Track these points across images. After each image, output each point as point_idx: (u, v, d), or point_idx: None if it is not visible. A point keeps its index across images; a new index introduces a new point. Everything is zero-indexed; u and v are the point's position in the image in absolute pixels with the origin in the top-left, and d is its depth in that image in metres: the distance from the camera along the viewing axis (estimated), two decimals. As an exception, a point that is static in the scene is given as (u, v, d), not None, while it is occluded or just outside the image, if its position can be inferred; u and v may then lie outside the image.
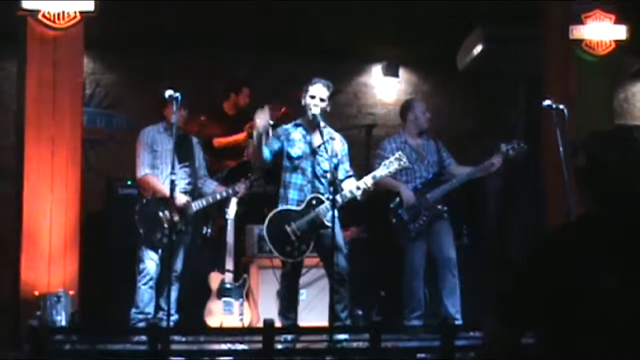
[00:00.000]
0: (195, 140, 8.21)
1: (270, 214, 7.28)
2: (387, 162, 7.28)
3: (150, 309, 7.71)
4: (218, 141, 9.10)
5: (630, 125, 11.70)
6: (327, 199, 7.11)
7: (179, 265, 7.81)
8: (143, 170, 7.85)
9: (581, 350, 2.87)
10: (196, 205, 7.83)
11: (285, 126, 7.48)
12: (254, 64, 10.90)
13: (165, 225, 7.58)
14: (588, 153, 3.05)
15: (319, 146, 7.28)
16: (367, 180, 7.18)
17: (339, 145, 7.42)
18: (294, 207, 7.25)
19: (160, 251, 7.68)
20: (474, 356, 5.89)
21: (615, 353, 2.84)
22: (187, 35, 10.04)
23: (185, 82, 8.79)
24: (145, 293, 7.68)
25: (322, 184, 7.30)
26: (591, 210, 3.06)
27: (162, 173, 7.81)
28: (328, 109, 7.34)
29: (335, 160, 7.23)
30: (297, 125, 7.42)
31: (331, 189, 6.99)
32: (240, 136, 8.96)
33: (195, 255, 8.28)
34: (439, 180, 8.08)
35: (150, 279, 7.69)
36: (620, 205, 2.99)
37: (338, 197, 7.05)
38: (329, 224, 7.05)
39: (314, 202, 7.23)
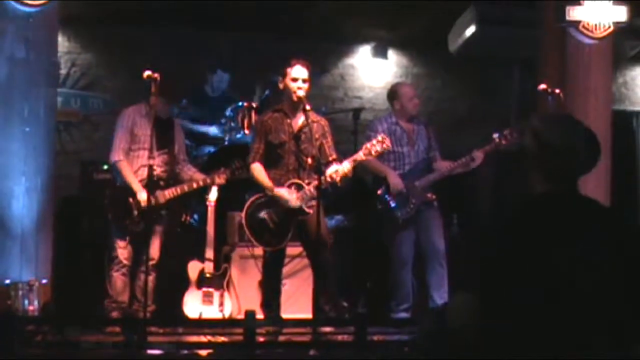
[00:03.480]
0: (178, 123, 7.92)
1: (249, 201, 7.15)
2: (369, 144, 7.03)
3: (124, 297, 7.55)
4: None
5: (629, 111, 11.59)
6: (308, 184, 6.95)
7: (155, 253, 7.59)
8: (117, 156, 7.56)
9: (539, 328, 2.97)
10: (169, 194, 7.55)
11: (263, 115, 7.34)
12: (236, 44, 10.65)
13: (135, 213, 7.41)
14: (535, 134, 3.17)
15: (301, 130, 7.11)
16: (347, 164, 6.97)
17: (321, 128, 7.23)
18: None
19: (128, 238, 7.50)
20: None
21: (569, 328, 2.96)
22: (168, 14, 9.85)
23: (165, 63, 8.54)
24: (117, 281, 7.51)
25: (304, 169, 7.10)
26: (539, 191, 3.17)
27: (138, 158, 7.56)
28: (308, 87, 7.15)
29: (318, 144, 7.02)
30: (276, 111, 7.21)
31: (315, 175, 6.81)
32: None
33: (174, 243, 8.09)
34: (428, 168, 7.88)
35: (123, 267, 7.51)
36: (565, 187, 3.12)
37: (312, 187, 6.89)
38: (308, 211, 6.92)
39: (293, 187, 7.05)
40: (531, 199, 3.20)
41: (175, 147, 7.76)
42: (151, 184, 7.16)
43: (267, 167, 7.13)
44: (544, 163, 3.14)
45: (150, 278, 7.40)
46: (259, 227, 7.05)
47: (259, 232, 7.06)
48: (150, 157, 7.09)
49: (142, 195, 7.32)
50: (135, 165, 7.54)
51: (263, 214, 7.02)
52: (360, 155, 7.00)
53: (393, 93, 8.24)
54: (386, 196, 7.75)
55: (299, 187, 7.00)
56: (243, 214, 7.12)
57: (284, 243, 7.10)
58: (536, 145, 3.15)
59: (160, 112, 7.52)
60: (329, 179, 6.90)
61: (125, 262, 7.49)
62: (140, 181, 7.42)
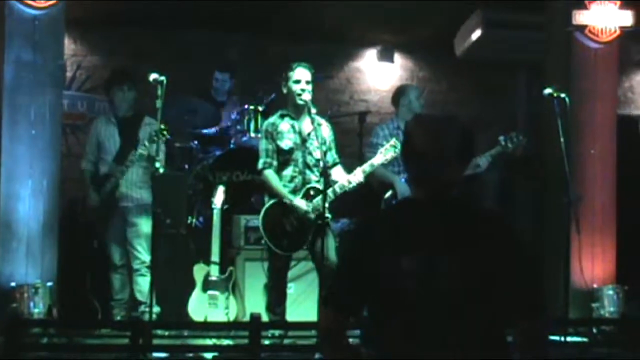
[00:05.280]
0: (147, 121, 7.89)
1: (266, 207, 7.10)
2: (382, 150, 7.07)
3: (122, 295, 7.83)
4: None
5: (635, 115, 11.56)
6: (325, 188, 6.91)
7: (141, 255, 7.71)
8: (82, 164, 7.95)
9: (393, 331, 2.98)
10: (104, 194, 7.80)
11: (270, 120, 7.25)
12: (243, 47, 10.66)
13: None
14: (405, 134, 3.09)
15: (309, 134, 7.09)
16: (365, 168, 6.99)
17: (326, 130, 7.23)
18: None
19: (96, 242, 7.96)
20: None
21: (421, 333, 2.96)
22: (174, 16, 9.85)
23: (171, 65, 8.57)
24: (113, 280, 7.85)
25: (313, 173, 7.10)
26: (412, 194, 3.15)
27: (105, 164, 7.85)
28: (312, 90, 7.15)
29: (324, 147, 7.01)
30: (282, 116, 7.19)
31: (322, 178, 6.83)
32: None
33: (180, 246, 8.19)
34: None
35: (114, 267, 7.81)
36: (437, 192, 3.02)
37: (330, 192, 6.86)
38: (328, 215, 6.88)
39: (311, 192, 7.04)
40: (398, 202, 3.17)
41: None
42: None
43: (277, 169, 7.11)
44: (410, 163, 3.05)
45: (145, 280, 7.58)
46: (278, 233, 7.01)
47: (278, 238, 7.01)
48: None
49: (91, 200, 7.79)
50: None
51: (284, 220, 6.98)
52: (376, 159, 7.02)
53: (400, 91, 8.27)
54: (393, 202, 7.74)
55: (318, 192, 6.98)
56: (260, 220, 7.07)
57: (304, 247, 7.08)
58: (404, 145, 3.07)
59: (124, 109, 7.86)
60: (346, 184, 6.91)
61: (116, 262, 7.83)
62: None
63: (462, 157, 3.02)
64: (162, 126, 7.08)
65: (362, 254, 3.05)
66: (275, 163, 7.05)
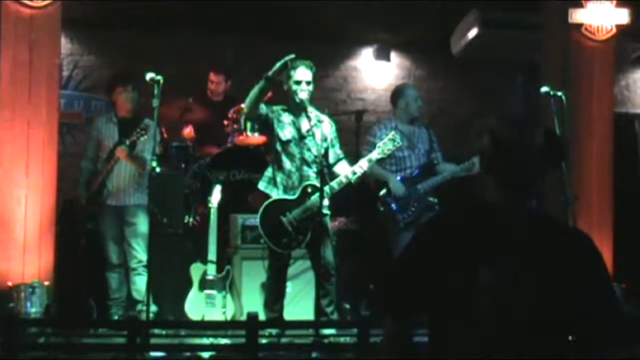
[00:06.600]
0: (147, 123, 7.80)
1: (264, 205, 7.08)
2: (381, 143, 7.09)
3: (119, 294, 7.84)
4: (240, 140, 8.78)
5: (631, 113, 11.57)
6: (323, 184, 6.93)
7: (141, 255, 7.71)
8: (82, 162, 7.98)
9: (461, 343, 2.89)
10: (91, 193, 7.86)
11: (275, 107, 7.20)
12: (238, 47, 10.65)
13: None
14: (491, 133, 2.96)
15: (307, 131, 7.08)
16: (363, 164, 7.00)
17: (327, 127, 7.22)
18: (288, 197, 7.05)
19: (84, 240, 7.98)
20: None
21: (495, 347, 2.84)
22: (170, 16, 9.83)
23: (167, 65, 8.55)
24: (110, 280, 7.85)
25: (311, 169, 7.09)
26: (491, 199, 2.98)
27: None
28: (312, 89, 7.14)
29: (325, 145, 7.04)
30: (284, 110, 7.19)
31: (320, 176, 6.87)
32: (260, 139, 8.57)
33: (177, 245, 8.18)
34: (430, 171, 7.85)
35: (112, 266, 7.82)
36: (523, 198, 2.94)
37: (334, 184, 6.92)
38: (326, 212, 6.93)
39: (309, 189, 7.03)
40: (474, 206, 3.01)
41: (139, 150, 7.77)
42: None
43: (275, 161, 7.13)
44: (498, 164, 2.94)
45: (141, 279, 7.60)
46: (277, 231, 6.97)
47: (277, 236, 6.98)
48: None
49: (79, 197, 7.88)
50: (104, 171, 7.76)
51: (282, 218, 6.96)
52: (374, 154, 7.04)
53: (398, 92, 8.22)
54: (388, 199, 7.73)
55: (315, 189, 6.97)
56: (259, 218, 7.05)
57: (303, 244, 7.05)
58: (492, 145, 2.94)
59: (127, 109, 7.85)
60: (344, 180, 6.93)
61: (113, 261, 7.83)
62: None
63: (548, 157, 2.92)
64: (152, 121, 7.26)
65: (430, 261, 2.93)
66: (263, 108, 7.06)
